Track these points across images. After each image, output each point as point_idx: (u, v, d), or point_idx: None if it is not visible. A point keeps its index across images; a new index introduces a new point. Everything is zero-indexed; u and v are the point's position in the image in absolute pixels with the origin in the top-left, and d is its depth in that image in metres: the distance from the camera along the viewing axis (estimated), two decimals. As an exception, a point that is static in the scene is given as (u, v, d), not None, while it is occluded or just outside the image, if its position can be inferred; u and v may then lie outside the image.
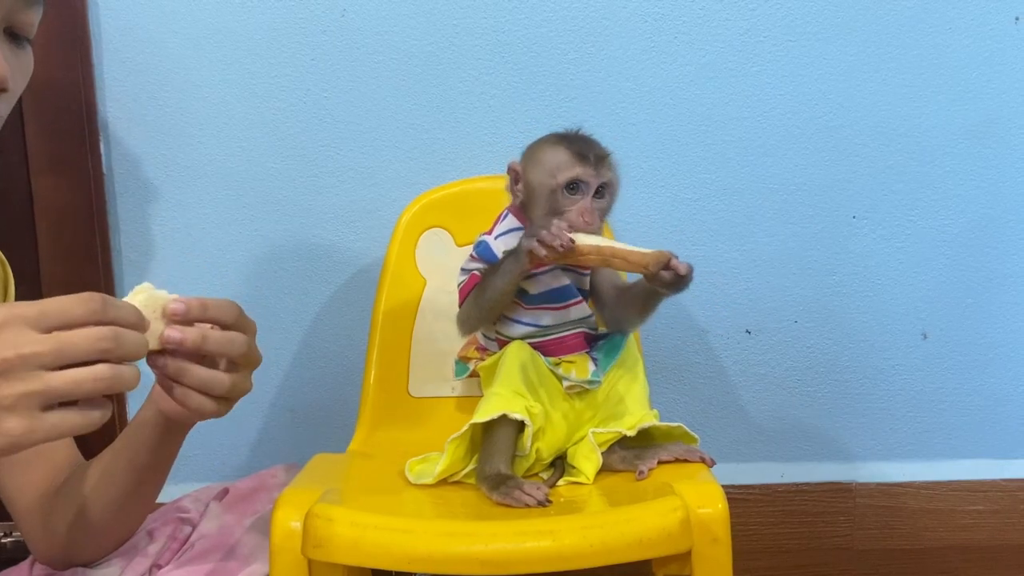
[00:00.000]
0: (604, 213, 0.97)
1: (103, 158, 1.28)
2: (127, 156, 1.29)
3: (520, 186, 0.99)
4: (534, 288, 0.98)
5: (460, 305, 1.00)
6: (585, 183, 0.94)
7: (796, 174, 1.31)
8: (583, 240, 0.90)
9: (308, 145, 1.29)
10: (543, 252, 0.89)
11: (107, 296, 0.62)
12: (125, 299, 0.66)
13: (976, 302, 1.35)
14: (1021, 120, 1.31)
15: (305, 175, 1.30)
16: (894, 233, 1.33)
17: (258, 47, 1.27)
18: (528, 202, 0.99)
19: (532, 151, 0.99)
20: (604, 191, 0.96)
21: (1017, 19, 1.28)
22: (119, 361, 0.61)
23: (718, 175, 1.31)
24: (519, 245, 0.92)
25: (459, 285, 1.01)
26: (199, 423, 0.79)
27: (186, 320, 0.67)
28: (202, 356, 0.69)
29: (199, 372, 0.68)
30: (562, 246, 0.88)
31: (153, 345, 0.66)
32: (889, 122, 1.30)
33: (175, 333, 0.66)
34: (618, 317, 1.02)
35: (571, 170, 0.94)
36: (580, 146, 0.95)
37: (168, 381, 0.68)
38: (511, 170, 1.00)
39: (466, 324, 1.00)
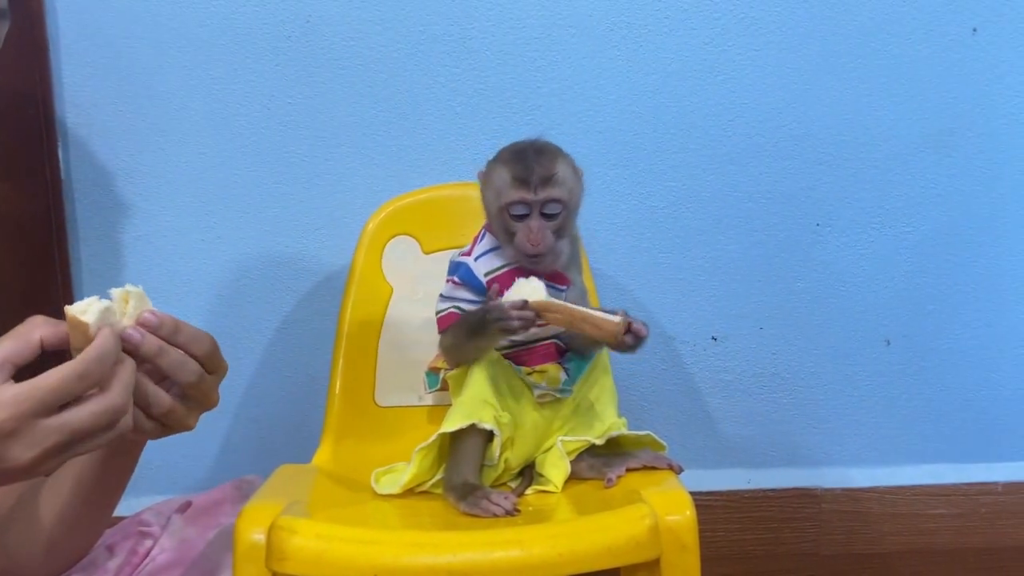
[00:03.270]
0: (560, 230, 0.95)
1: (61, 164, 1.25)
2: (87, 162, 1.27)
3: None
4: None
5: (440, 332, 0.99)
6: (526, 205, 0.93)
7: (761, 182, 1.32)
8: (552, 300, 0.90)
9: (272, 152, 1.28)
10: (517, 334, 0.91)
11: (100, 354, 0.62)
12: (113, 295, 0.66)
13: (937, 308, 1.37)
14: (980, 129, 1.33)
15: (269, 182, 1.28)
16: (857, 240, 1.35)
17: (222, 53, 1.25)
18: (488, 218, 0.99)
19: (488, 166, 0.98)
20: (554, 208, 0.93)
21: (975, 30, 1.31)
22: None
23: (684, 183, 1.32)
24: (489, 318, 0.90)
25: (438, 313, 0.99)
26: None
27: (154, 333, 0.66)
28: (158, 375, 0.68)
29: (146, 384, 0.67)
30: (525, 325, 0.89)
31: None
32: (852, 131, 1.32)
33: (135, 334, 0.65)
34: (578, 344, 1.01)
35: (509, 194, 0.93)
36: (523, 167, 0.93)
37: None
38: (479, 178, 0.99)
39: (452, 359, 0.99)
